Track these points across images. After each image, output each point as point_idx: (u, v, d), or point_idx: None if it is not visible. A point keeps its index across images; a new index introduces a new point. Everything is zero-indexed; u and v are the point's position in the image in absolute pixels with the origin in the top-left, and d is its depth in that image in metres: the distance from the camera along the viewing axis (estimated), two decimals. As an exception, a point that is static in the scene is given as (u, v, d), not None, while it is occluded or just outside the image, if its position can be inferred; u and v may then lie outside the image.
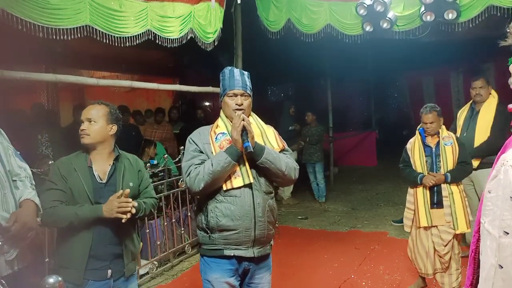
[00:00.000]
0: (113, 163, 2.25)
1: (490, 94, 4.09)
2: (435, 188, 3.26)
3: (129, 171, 2.30)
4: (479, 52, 7.10)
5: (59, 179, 2.15)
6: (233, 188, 2.05)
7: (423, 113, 3.32)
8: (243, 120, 2.03)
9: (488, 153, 3.94)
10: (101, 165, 2.23)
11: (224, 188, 2.05)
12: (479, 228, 1.11)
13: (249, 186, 2.07)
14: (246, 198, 2.06)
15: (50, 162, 3.40)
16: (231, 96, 2.15)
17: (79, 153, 2.27)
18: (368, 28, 4.80)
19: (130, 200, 2.10)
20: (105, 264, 2.16)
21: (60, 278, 2.92)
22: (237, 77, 2.17)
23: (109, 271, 2.17)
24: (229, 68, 2.24)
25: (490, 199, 1.04)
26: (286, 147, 2.27)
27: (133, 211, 2.09)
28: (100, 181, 2.20)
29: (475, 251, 1.13)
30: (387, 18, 4.63)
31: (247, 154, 2.04)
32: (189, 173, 2.06)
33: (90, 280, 2.12)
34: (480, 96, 4.06)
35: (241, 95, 2.15)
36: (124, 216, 2.05)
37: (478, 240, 1.11)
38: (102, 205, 2.09)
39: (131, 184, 2.26)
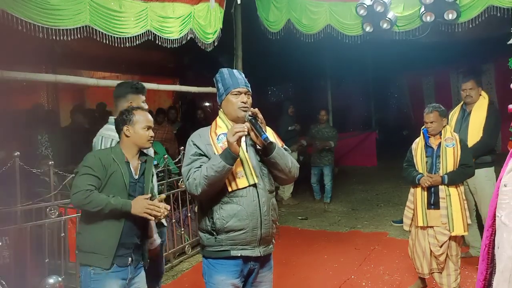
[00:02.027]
0: (143, 162, 2.46)
1: (480, 95, 4.10)
2: (433, 189, 3.27)
3: (152, 171, 2.51)
4: (479, 52, 7.11)
5: (99, 167, 2.28)
6: (238, 189, 2.05)
7: (425, 113, 3.33)
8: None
9: (482, 153, 3.95)
10: (134, 162, 2.42)
11: (230, 190, 2.05)
12: (492, 222, 1.11)
13: (254, 185, 2.07)
14: (252, 197, 2.06)
15: (50, 162, 3.40)
16: (235, 94, 2.13)
17: (115, 148, 2.43)
18: (368, 29, 4.80)
19: (161, 205, 2.28)
20: (128, 252, 2.33)
21: (60, 278, 2.93)
22: (238, 76, 2.18)
23: (129, 259, 2.34)
24: (226, 68, 2.24)
25: (506, 192, 1.04)
26: (284, 145, 2.29)
27: (163, 216, 2.29)
28: (135, 177, 2.39)
29: (488, 245, 1.13)
30: (387, 19, 4.63)
31: (266, 146, 2.05)
32: (188, 177, 2.05)
33: (115, 264, 2.29)
34: (470, 97, 4.07)
35: (245, 93, 2.15)
36: (151, 218, 2.26)
37: (492, 234, 1.11)
38: (131, 201, 2.25)
39: (152, 184, 2.48)
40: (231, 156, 1.96)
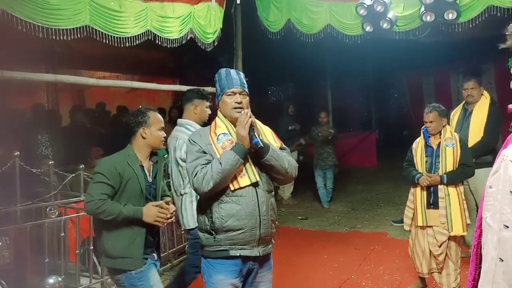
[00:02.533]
0: (154, 163, 2.52)
1: (482, 94, 4.09)
2: (432, 188, 3.27)
3: (162, 171, 2.57)
4: (479, 52, 7.10)
5: (113, 175, 2.31)
6: (240, 188, 2.06)
7: (425, 112, 3.34)
8: (250, 117, 2.04)
9: (483, 153, 3.94)
10: (146, 164, 2.48)
11: (232, 188, 2.05)
12: (481, 223, 1.12)
13: (254, 185, 2.08)
14: (251, 197, 2.07)
15: (50, 162, 3.40)
16: (229, 94, 2.15)
17: (128, 150, 2.44)
18: (368, 28, 4.81)
19: (168, 209, 2.37)
20: (151, 250, 2.48)
21: (60, 278, 2.93)
22: (234, 76, 2.18)
23: (155, 255, 2.51)
24: (225, 68, 2.25)
25: (491, 194, 1.05)
26: (283, 145, 2.29)
27: (170, 220, 2.38)
28: (149, 180, 2.46)
29: (477, 246, 1.14)
30: (387, 18, 4.63)
31: (257, 150, 2.04)
32: (195, 174, 2.04)
33: (148, 258, 2.45)
34: (472, 97, 4.06)
35: (240, 93, 2.15)
36: (162, 225, 2.38)
37: (480, 235, 1.12)
38: (142, 208, 2.32)
39: (162, 184, 2.54)
40: (243, 150, 2.01)
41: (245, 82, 2.21)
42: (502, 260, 0.99)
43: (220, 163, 1.98)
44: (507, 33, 1.12)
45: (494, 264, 1.01)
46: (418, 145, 3.43)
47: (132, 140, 2.46)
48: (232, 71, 2.21)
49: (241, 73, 2.24)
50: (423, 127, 3.42)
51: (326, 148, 6.74)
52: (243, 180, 2.06)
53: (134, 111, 2.53)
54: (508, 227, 0.98)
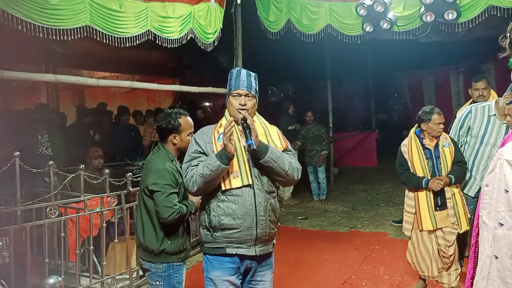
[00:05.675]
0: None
1: (490, 94, 4.07)
2: (439, 190, 3.24)
3: None
4: (479, 52, 7.11)
5: (173, 182, 2.44)
6: (232, 188, 2.07)
7: (432, 114, 3.22)
8: (233, 126, 2.03)
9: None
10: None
11: (223, 188, 2.08)
12: (478, 222, 1.13)
13: (250, 185, 2.09)
14: (248, 197, 2.08)
15: (50, 162, 3.40)
16: (235, 96, 2.16)
17: (168, 155, 2.51)
18: (368, 28, 4.81)
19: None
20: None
21: (60, 278, 2.93)
22: (243, 78, 2.17)
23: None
24: (238, 68, 2.24)
25: (487, 192, 1.07)
26: (290, 147, 2.28)
27: None
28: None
29: (475, 245, 1.15)
30: (387, 18, 4.64)
31: (251, 152, 2.05)
32: (186, 174, 2.11)
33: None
34: (483, 97, 3.98)
35: (245, 95, 2.15)
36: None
37: (478, 234, 1.13)
38: (192, 200, 2.50)
39: None
40: (226, 156, 2.01)
41: (254, 84, 2.19)
42: (497, 258, 1.01)
43: (202, 167, 2.02)
44: (503, 44, 1.13)
45: (489, 261, 1.03)
46: (411, 148, 3.34)
47: (163, 143, 2.54)
48: (243, 72, 2.20)
49: (253, 74, 2.22)
50: (414, 129, 3.38)
51: (315, 146, 6.98)
52: (236, 181, 2.07)
53: (165, 115, 2.53)
54: (502, 224, 1.00)
